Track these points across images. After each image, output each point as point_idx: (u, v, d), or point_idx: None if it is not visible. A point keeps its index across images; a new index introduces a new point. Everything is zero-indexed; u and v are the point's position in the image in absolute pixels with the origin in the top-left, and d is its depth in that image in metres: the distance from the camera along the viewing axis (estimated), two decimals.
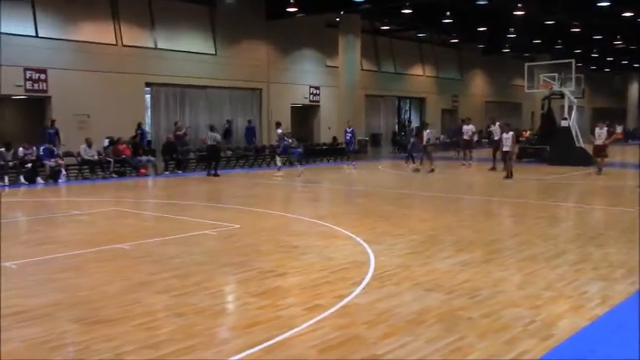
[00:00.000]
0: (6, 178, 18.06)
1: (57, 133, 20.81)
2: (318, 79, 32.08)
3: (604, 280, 6.89)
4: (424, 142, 21.97)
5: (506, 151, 19.32)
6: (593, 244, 8.97)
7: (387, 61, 36.91)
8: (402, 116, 40.88)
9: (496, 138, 22.21)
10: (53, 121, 21.07)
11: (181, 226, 10.66)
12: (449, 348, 4.81)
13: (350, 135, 25.09)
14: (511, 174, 18.83)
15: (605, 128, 20.82)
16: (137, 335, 5.09)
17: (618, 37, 36.68)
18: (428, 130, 22.27)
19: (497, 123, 22.99)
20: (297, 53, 31.00)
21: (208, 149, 21.15)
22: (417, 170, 21.57)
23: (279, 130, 21.90)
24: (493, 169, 21.60)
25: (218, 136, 21.31)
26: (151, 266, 7.60)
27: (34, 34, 21.69)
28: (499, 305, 5.92)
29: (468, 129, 25.31)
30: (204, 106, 27.26)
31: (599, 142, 20.27)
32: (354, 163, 24.57)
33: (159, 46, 25.31)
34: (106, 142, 21.57)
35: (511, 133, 19.71)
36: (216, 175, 20.47)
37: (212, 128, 21.70)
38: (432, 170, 21.23)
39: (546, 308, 5.84)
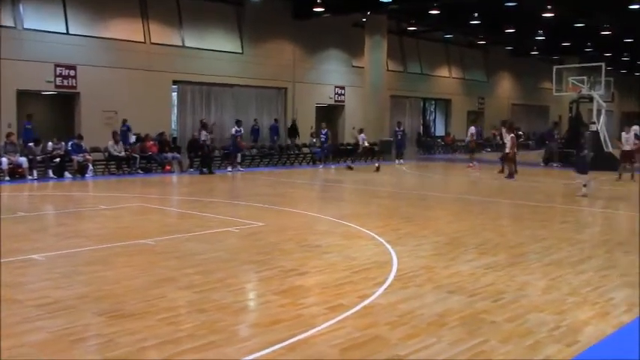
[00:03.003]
0: (35, 172, 18.36)
1: (33, 128, 20.42)
2: (343, 79, 32.03)
3: (631, 287, 6.77)
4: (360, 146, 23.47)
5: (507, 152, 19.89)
6: (621, 250, 8.84)
7: (413, 61, 36.71)
8: (427, 117, 40.69)
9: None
10: (30, 116, 20.62)
11: (205, 223, 10.73)
12: (472, 351, 4.77)
13: (325, 137, 25.01)
14: (510, 174, 19.54)
15: (633, 133, 20.28)
16: (160, 330, 5.13)
17: None
18: (362, 135, 23.08)
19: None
20: (323, 53, 31.00)
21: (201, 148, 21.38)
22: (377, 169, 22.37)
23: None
24: (501, 171, 21.33)
25: (206, 134, 21.41)
26: (175, 262, 7.66)
27: (64, 31, 21.99)
28: (523, 309, 5.86)
29: (471, 130, 26.16)
30: (230, 105, 27.38)
31: (627, 147, 19.77)
32: (321, 165, 24.48)
33: (186, 45, 25.48)
34: (133, 139, 21.81)
35: (511, 135, 19.91)
36: (210, 172, 20.67)
37: (204, 126, 21.83)
38: (350, 168, 22.85)
39: (571, 314, 5.77)
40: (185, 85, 25.91)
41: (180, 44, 25.38)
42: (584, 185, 15.10)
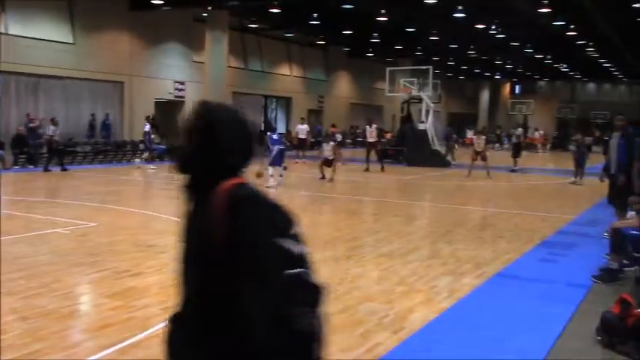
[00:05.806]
0: None
1: None
2: (183, 74, 31.37)
3: (452, 274, 7.32)
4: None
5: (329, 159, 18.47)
6: (444, 240, 9.51)
7: (254, 59, 36.86)
8: (269, 115, 41.06)
9: (370, 140, 22.91)
10: None
11: (30, 224, 10.00)
12: None
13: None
14: (324, 177, 18.42)
15: (483, 137, 22.43)
16: None
17: (472, 47, 39.09)
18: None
19: (375, 126, 23.42)
20: (162, 46, 30.12)
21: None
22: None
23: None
24: (367, 170, 22.15)
25: (54, 129, 20.16)
26: None
27: None
28: (355, 300, 6.10)
29: (303, 128, 28.03)
30: (61, 98, 25.73)
31: (479, 149, 21.67)
32: (145, 162, 22.83)
33: (10, 32, 23.56)
34: None
35: (332, 143, 18.97)
36: (63, 169, 19.60)
37: (52, 121, 20.56)
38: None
39: (399, 302, 6.11)
40: (8, 76, 23.92)
41: (3, 31, 23.42)
42: (272, 176, 16.25)
